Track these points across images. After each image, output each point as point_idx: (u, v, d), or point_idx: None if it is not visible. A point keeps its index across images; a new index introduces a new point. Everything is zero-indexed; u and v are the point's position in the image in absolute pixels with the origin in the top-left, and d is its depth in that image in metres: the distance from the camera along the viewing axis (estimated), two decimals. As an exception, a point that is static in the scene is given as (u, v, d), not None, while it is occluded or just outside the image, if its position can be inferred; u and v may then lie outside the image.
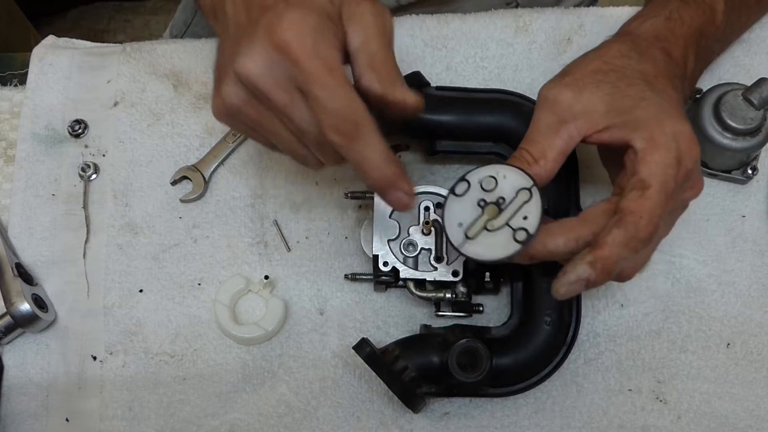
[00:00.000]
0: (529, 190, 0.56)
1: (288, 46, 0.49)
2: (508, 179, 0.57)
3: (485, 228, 0.57)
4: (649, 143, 0.55)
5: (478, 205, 0.57)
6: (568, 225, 0.56)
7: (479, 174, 0.58)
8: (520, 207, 0.56)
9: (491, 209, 0.57)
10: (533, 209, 0.56)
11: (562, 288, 0.55)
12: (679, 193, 0.56)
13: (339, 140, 0.51)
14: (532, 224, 0.55)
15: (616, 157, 0.58)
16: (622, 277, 0.58)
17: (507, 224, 0.56)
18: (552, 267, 0.58)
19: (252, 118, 0.54)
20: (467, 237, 0.57)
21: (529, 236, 0.55)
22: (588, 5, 1.00)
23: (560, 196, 0.67)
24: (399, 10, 0.91)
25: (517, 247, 0.55)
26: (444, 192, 0.68)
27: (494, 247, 0.56)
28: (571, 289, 0.54)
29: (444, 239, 0.67)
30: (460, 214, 0.58)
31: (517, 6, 0.90)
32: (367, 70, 0.53)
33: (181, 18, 1.12)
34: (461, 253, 0.58)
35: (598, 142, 0.58)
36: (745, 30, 0.78)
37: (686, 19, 0.66)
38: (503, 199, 0.57)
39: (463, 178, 0.58)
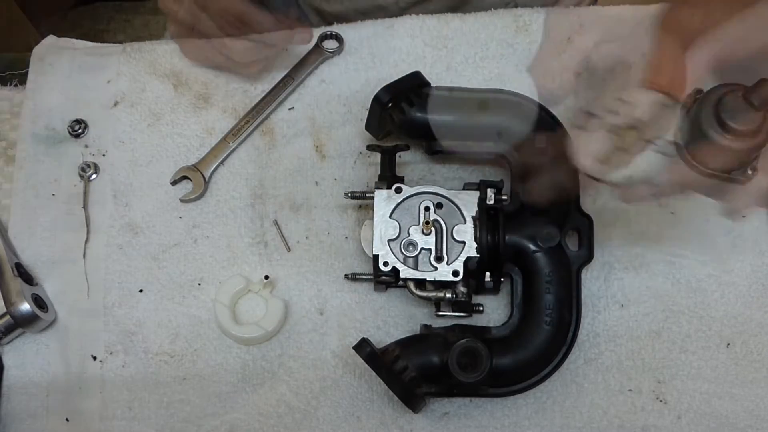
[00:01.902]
0: (666, 104, 0.51)
1: None
2: (640, 98, 0.51)
3: (623, 149, 0.51)
4: None
5: (610, 131, 0.51)
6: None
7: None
8: (656, 123, 0.51)
9: (627, 132, 0.51)
10: (671, 122, 0.51)
11: None
12: None
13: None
14: (670, 135, 0.50)
15: None
16: None
17: (644, 141, 0.51)
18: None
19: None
20: (604, 165, 0.51)
21: (674, 145, 0.49)
22: (588, 5, 1.00)
23: (561, 197, 0.67)
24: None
25: (659, 158, 0.51)
26: (444, 192, 0.68)
27: (637, 165, 0.51)
28: None
29: (444, 239, 0.67)
30: (592, 145, 0.51)
31: (515, 6, 0.90)
32: None
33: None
34: (604, 182, 0.52)
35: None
36: None
37: None
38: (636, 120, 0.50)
39: (584, 111, 0.52)
